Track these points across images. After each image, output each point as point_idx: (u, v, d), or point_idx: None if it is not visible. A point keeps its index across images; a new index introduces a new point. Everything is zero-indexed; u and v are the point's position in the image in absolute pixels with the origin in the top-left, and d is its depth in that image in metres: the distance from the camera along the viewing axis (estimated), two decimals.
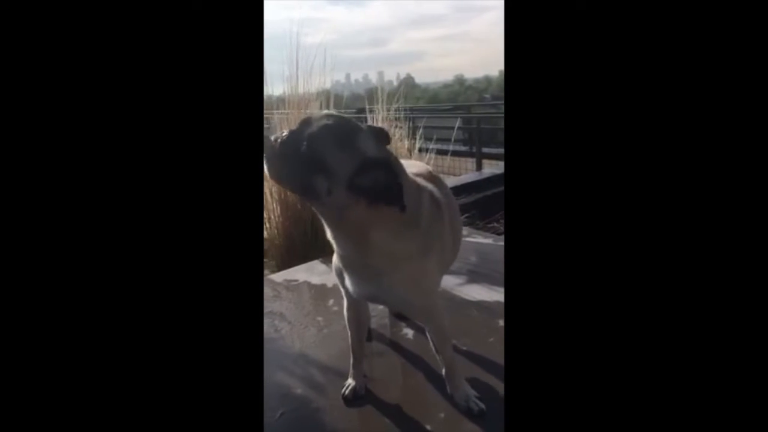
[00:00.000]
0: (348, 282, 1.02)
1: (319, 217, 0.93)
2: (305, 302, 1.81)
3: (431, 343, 1.14)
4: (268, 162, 0.85)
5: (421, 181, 1.03)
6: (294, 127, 0.87)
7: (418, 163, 1.37)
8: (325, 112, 0.90)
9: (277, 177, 0.88)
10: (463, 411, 1.11)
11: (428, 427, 1.08)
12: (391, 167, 0.84)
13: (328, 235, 0.96)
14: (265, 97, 2.88)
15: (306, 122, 0.86)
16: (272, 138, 0.87)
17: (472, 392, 1.14)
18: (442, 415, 1.12)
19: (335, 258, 1.05)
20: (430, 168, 1.26)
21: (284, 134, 0.86)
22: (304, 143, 0.82)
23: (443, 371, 1.16)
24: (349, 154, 0.82)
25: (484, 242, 2.25)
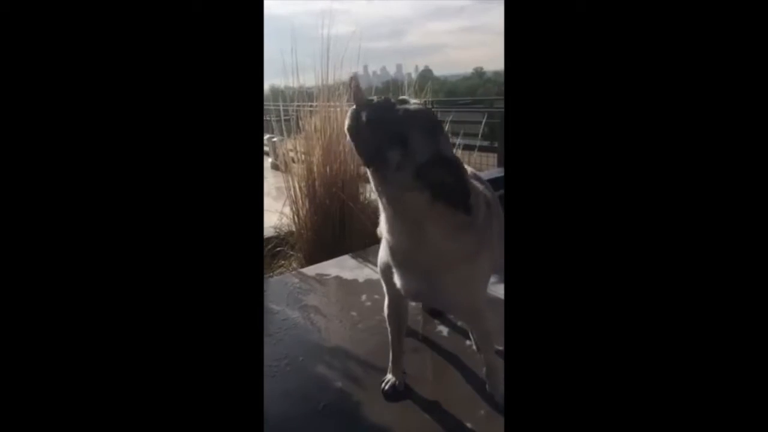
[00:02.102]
0: (397, 278, 1.03)
1: (380, 201, 0.94)
2: (338, 297, 1.85)
3: (473, 342, 1.17)
4: (354, 118, 0.88)
5: (474, 183, 1.05)
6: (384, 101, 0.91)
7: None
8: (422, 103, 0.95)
9: (355, 133, 0.89)
10: (503, 410, 1.13)
11: (468, 425, 1.11)
12: (458, 170, 0.86)
13: (383, 227, 0.97)
14: (284, 88, 2.88)
15: (402, 101, 0.91)
16: (367, 99, 0.90)
17: None
18: (482, 412, 1.15)
19: (383, 254, 1.06)
20: (470, 167, 1.27)
21: (381, 99, 0.90)
22: (397, 114, 0.86)
23: (484, 370, 1.18)
24: (427, 143, 0.86)
25: None
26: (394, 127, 0.85)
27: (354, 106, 0.90)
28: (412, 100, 0.94)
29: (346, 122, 0.89)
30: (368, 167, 0.90)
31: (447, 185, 0.84)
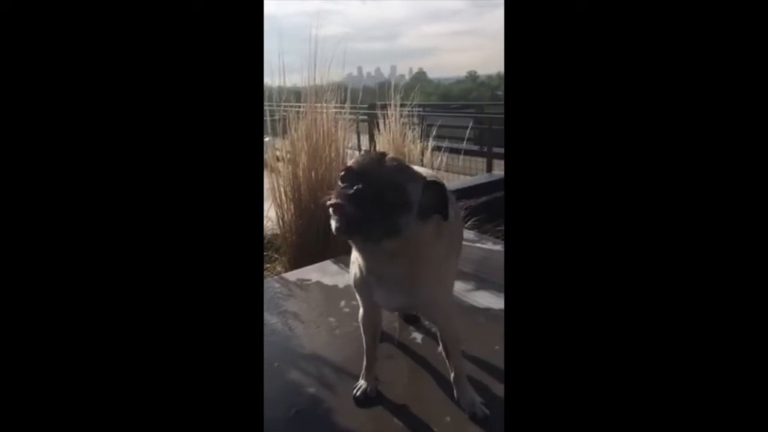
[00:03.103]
0: (379, 296, 1.07)
1: (365, 253, 0.98)
2: (318, 302, 1.87)
3: (442, 348, 1.20)
4: (345, 219, 0.84)
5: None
6: (347, 178, 0.88)
7: (422, 169, 1.43)
8: (371, 155, 0.93)
9: (356, 229, 0.86)
10: (469, 416, 1.16)
11: (435, 430, 1.14)
12: (439, 183, 0.93)
13: (361, 263, 1.01)
14: (276, 88, 2.89)
15: (360, 171, 0.87)
16: (333, 199, 0.85)
17: (478, 398, 1.19)
18: (448, 419, 1.17)
19: (357, 271, 1.09)
20: (432, 172, 1.36)
21: (352, 190, 0.85)
22: (382, 188, 0.85)
23: (451, 376, 1.21)
24: (413, 183, 0.90)
25: (494, 249, 2.29)
26: (395, 194, 0.86)
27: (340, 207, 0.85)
28: (368, 154, 0.94)
29: (337, 223, 0.84)
30: (377, 241, 0.88)
31: (437, 200, 0.91)
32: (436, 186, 0.93)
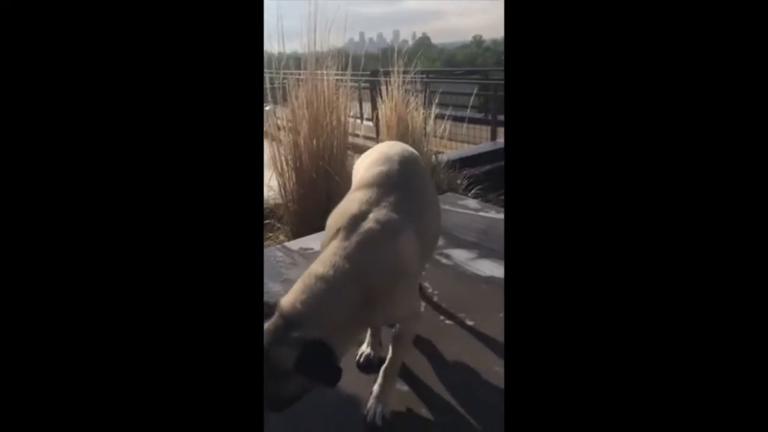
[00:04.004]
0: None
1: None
2: None
3: (393, 336, 1.13)
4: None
5: (384, 211, 1.01)
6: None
7: (380, 154, 1.22)
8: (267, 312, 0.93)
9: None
10: (368, 419, 1.09)
11: (438, 393, 1.16)
12: (323, 347, 0.91)
13: None
14: (276, 55, 2.81)
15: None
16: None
17: (388, 408, 1.11)
18: (451, 380, 1.20)
19: None
20: (400, 149, 1.23)
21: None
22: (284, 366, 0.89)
23: (383, 368, 1.13)
24: (287, 355, 0.89)
25: (497, 217, 2.28)
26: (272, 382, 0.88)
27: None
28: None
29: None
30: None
31: (316, 372, 0.94)
32: (314, 354, 0.90)
